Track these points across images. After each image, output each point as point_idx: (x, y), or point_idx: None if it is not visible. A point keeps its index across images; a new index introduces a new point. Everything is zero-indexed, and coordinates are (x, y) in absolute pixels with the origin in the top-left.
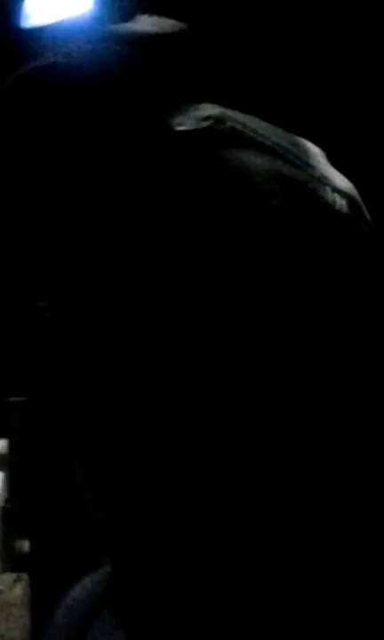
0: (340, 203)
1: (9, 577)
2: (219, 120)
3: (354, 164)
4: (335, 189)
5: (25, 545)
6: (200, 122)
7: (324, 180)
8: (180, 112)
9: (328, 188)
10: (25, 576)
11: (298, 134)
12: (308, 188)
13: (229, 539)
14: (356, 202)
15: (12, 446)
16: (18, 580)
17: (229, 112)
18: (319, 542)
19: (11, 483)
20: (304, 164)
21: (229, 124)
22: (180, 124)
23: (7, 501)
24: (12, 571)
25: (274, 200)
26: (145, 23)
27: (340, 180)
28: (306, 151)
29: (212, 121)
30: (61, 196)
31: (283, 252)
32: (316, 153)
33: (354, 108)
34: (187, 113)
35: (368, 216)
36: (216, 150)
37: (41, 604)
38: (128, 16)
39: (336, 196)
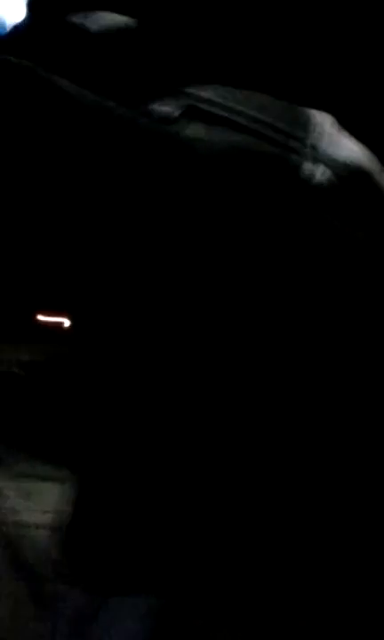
0: (322, 174)
1: None
2: (190, 102)
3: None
4: (321, 160)
5: None
6: (175, 106)
7: (310, 153)
8: (162, 97)
9: (308, 162)
10: None
11: (306, 104)
12: (277, 160)
13: (227, 536)
14: (358, 171)
15: None
16: None
17: (206, 92)
18: (318, 542)
19: None
20: (288, 135)
21: (196, 104)
22: (159, 108)
23: None
24: None
25: (220, 172)
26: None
27: (344, 149)
28: (301, 122)
29: (185, 104)
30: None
31: (221, 223)
32: (319, 122)
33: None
34: (168, 97)
35: (380, 185)
36: (178, 130)
37: None
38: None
39: (318, 168)
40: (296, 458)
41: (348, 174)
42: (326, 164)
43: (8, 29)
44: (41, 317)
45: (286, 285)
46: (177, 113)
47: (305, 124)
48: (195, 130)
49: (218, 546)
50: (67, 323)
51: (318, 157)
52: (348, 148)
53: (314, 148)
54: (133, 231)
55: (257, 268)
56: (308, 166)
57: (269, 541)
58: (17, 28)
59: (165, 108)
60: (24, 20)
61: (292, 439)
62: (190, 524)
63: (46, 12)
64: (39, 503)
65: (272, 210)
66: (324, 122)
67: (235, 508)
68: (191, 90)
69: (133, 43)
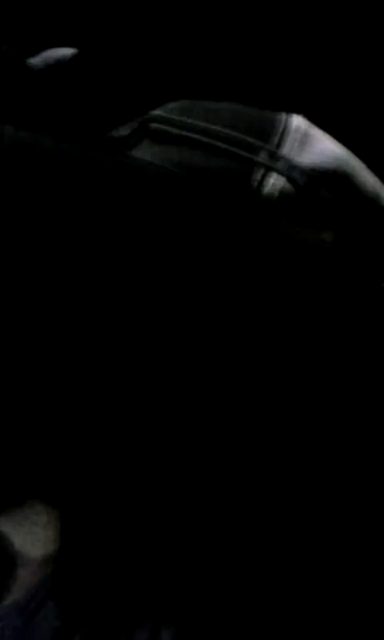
0: (279, 182)
1: None
2: (144, 122)
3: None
4: (284, 167)
5: None
6: (130, 127)
7: (266, 161)
8: (111, 124)
9: (261, 171)
10: None
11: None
12: (229, 175)
13: (226, 540)
14: (332, 172)
15: None
16: None
17: (167, 110)
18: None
19: None
20: (247, 147)
21: (153, 125)
22: (116, 133)
23: None
24: None
25: (169, 193)
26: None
27: (313, 154)
28: (264, 131)
29: (136, 125)
30: None
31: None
32: (288, 129)
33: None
34: (132, 122)
35: (361, 185)
36: (134, 150)
37: None
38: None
39: (275, 176)
40: (296, 460)
41: (318, 177)
42: (283, 172)
43: None
44: None
45: (240, 291)
46: (128, 133)
47: (269, 132)
48: (146, 149)
49: (217, 576)
50: None
51: (276, 166)
52: (324, 150)
53: (272, 154)
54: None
55: (212, 281)
56: (257, 176)
57: (269, 561)
58: None
59: (119, 131)
60: None
61: (291, 442)
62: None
63: None
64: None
65: (220, 223)
66: (296, 126)
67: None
68: (142, 111)
69: (78, 75)
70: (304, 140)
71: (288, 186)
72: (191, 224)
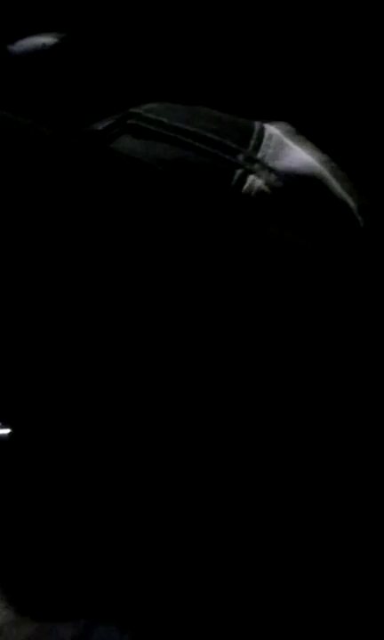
0: (257, 183)
1: None
2: (123, 118)
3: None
4: (261, 169)
5: None
6: (107, 122)
7: (244, 163)
8: (93, 115)
9: (240, 171)
10: None
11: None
12: (207, 171)
13: (227, 533)
14: (306, 178)
15: None
16: None
17: (145, 109)
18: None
19: None
20: (224, 148)
21: (131, 121)
22: (94, 127)
23: None
24: None
25: (153, 184)
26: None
27: (290, 160)
28: (241, 135)
29: (114, 120)
30: None
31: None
32: (265, 134)
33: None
34: (110, 117)
35: (335, 192)
36: (113, 144)
37: None
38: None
39: (253, 177)
40: (295, 457)
41: (294, 182)
42: (261, 175)
43: None
44: None
45: (225, 291)
46: (104, 127)
47: (245, 137)
48: (125, 143)
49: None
50: None
51: (254, 167)
52: (296, 158)
53: (249, 158)
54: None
55: (195, 277)
56: (238, 175)
57: (269, 560)
58: None
59: (96, 125)
60: None
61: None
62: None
63: None
64: None
65: (200, 219)
66: (271, 133)
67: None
68: (121, 107)
69: (61, 64)
70: (278, 146)
71: (265, 187)
72: (174, 215)
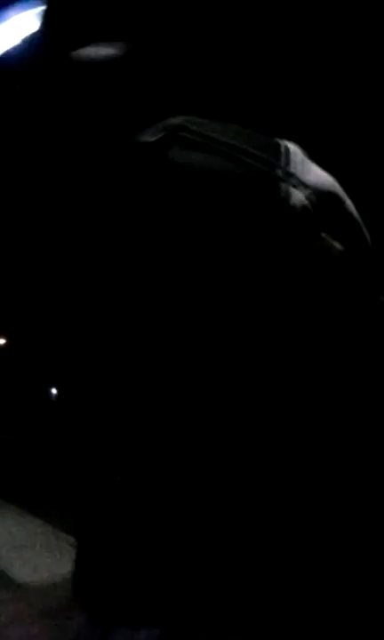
0: (299, 196)
1: None
2: (174, 130)
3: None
4: (298, 184)
5: None
6: (158, 133)
7: (284, 177)
8: (149, 127)
9: (284, 184)
10: None
11: (285, 135)
12: (255, 181)
13: (228, 535)
14: (329, 194)
15: None
16: None
17: (190, 123)
18: (317, 540)
19: None
20: (265, 162)
21: (182, 133)
22: (144, 137)
23: None
24: None
25: (203, 192)
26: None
27: (314, 176)
28: (273, 150)
29: (166, 132)
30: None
31: (218, 234)
32: (291, 151)
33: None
34: (154, 127)
35: (349, 207)
36: (168, 154)
37: None
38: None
39: (295, 191)
40: (295, 457)
41: (321, 197)
42: (299, 188)
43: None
44: None
45: (269, 294)
46: (155, 139)
47: (277, 152)
48: (175, 153)
49: (217, 577)
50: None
51: (292, 181)
52: (319, 175)
53: (287, 172)
54: (125, 246)
55: (242, 281)
56: (284, 187)
57: (269, 562)
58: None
59: (146, 136)
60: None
61: (292, 438)
62: (189, 554)
63: (52, 45)
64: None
65: (250, 226)
66: (295, 151)
67: (234, 506)
68: (169, 120)
69: (120, 74)
70: (303, 162)
71: (306, 201)
72: (227, 225)
